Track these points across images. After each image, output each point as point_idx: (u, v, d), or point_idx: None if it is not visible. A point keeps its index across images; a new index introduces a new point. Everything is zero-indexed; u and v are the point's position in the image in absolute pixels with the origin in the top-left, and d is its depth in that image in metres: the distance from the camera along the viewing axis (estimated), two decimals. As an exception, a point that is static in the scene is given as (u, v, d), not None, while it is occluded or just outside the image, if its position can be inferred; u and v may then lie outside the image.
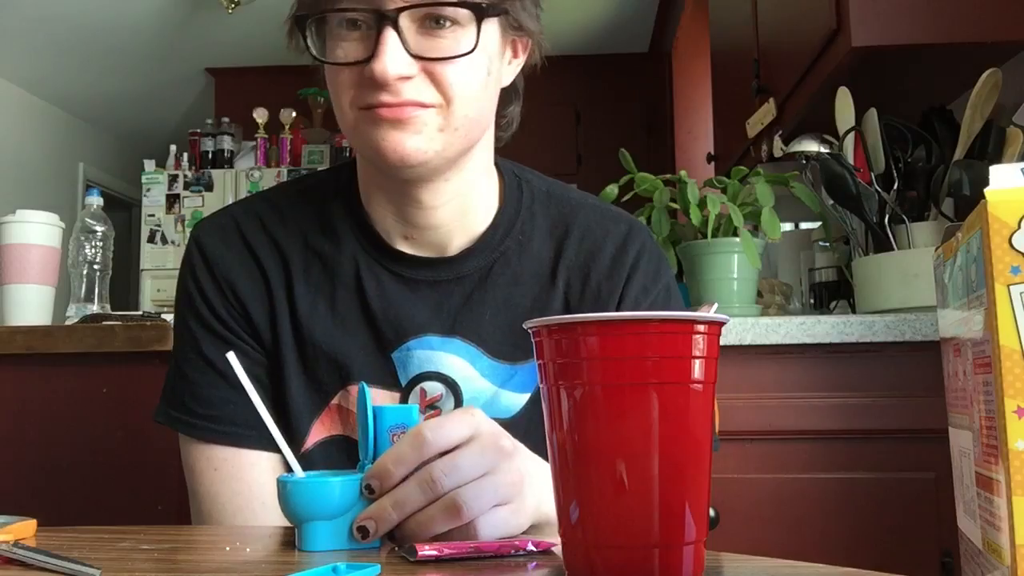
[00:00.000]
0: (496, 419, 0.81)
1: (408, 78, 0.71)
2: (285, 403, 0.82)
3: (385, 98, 0.71)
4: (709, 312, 0.49)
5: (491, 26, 0.74)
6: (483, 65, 0.74)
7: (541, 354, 0.50)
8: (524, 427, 0.78)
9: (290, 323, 0.82)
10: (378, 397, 0.81)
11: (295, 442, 0.82)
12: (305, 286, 0.82)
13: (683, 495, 0.47)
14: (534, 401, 0.83)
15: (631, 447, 0.47)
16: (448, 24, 0.71)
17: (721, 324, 0.50)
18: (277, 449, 0.81)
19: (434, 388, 0.81)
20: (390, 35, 0.69)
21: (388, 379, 0.81)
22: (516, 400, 0.83)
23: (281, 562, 0.57)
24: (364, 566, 0.51)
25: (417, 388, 0.82)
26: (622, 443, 0.47)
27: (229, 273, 0.82)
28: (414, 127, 0.72)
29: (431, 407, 0.82)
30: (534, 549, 0.57)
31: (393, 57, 0.69)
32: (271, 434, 0.80)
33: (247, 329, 0.82)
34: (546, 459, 0.82)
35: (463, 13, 0.71)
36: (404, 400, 0.82)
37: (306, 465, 0.80)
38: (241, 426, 0.79)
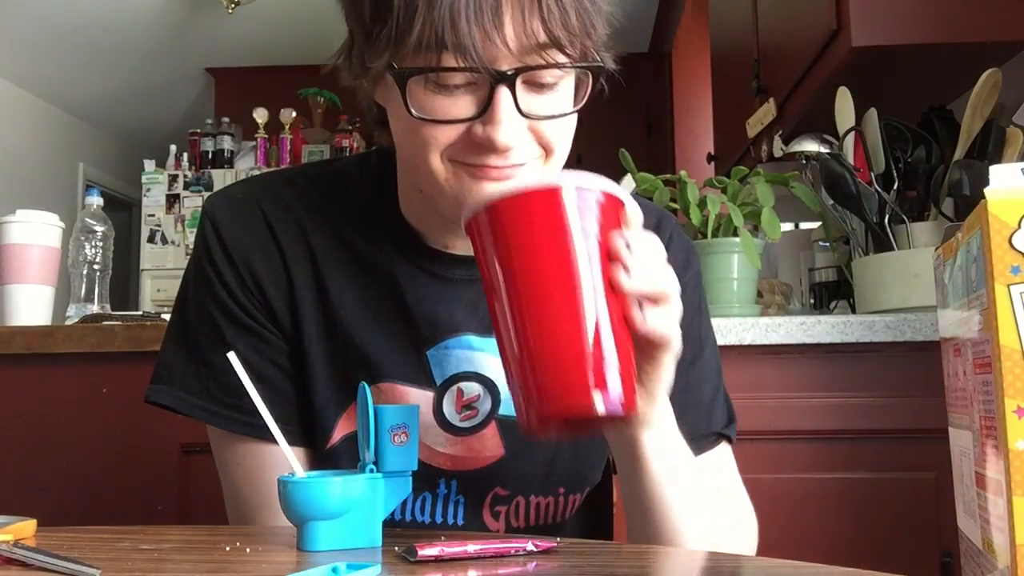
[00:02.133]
0: None
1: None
2: (310, 395, 0.79)
3: (494, 161, 0.67)
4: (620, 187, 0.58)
5: (587, 77, 0.71)
6: (576, 114, 0.71)
7: (476, 254, 0.59)
8: None
9: (317, 310, 0.79)
10: (411, 395, 0.79)
11: (321, 437, 0.79)
12: (334, 273, 0.79)
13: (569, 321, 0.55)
14: None
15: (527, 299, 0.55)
16: (552, 82, 0.68)
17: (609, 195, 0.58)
18: (302, 443, 0.80)
19: (471, 388, 0.79)
20: (506, 98, 0.64)
21: (422, 377, 0.79)
22: None
23: (281, 562, 0.57)
24: (364, 566, 0.51)
25: (453, 387, 0.79)
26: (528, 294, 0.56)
27: (247, 255, 0.78)
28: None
29: (467, 407, 0.80)
30: (534, 549, 0.57)
31: (510, 124, 0.65)
32: (296, 429, 0.79)
33: (266, 315, 0.79)
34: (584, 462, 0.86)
35: (567, 71, 0.68)
36: (439, 399, 0.79)
37: (333, 461, 0.79)
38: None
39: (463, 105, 0.66)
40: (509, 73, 0.64)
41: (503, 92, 0.64)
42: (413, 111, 0.66)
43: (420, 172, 0.70)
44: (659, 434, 0.68)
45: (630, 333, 0.58)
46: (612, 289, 0.57)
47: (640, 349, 0.60)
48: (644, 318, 0.58)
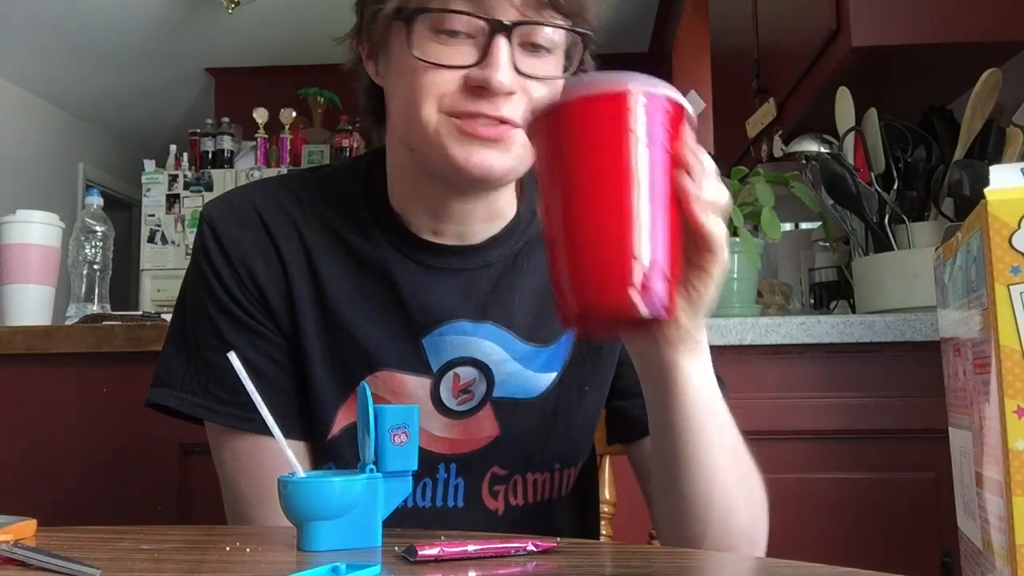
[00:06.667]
0: (525, 398, 0.84)
1: (512, 93, 0.71)
2: (309, 389, 0.81)
3: (485, 109, 0.71)
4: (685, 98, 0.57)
5: (576, 53, 0.76)
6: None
7: (538, 154, 0.59)
8: (554, 402, 0.85)
9: (314, 307, 0.80)
10: (408, 383, 0.81)
11: (321, 429, 0.81)
12: (330, 269, 0.81)
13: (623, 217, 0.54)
14: (559, 382, 0.85)
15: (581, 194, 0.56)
16: (546, 45, 0.73)
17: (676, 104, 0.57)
18: (303, 437, 0.82)
19: (467, 373, 0.82)
20: (504, 46, 0.70)
21: (418, 365, 0.81)
22: (544, 380, 0.85)
23: (281, 562, 0.57)
24: (364, 566, 0.51)
25: (450, 373, 0.82)
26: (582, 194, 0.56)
27: (244, 256, 0.80)
28: (504, 145, 0.73)
29: (464, 392, 0.82)
30: (534, 549, 0.57)
31: (507, 69, 0.70)
32: (296, 423, 0.81)
33: (265, 313, 0.80)
34: (577, 436, 0.87)
35: (562, 38, 0.74)
36: (436, 385, 0.82)
37: (333, 453, 0.81)
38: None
39: (462, 53, 0.71)
40: (508, 24, 0.70)
41: (502, 41, 0.70)
42: (415, 52, 0.71)
43: (413, 126, 0.73)
44: (700, 358, 0.67)
45: (683, 239, 0.59)
46: (673, 195, 0.57)
47: (691, 260, 0.61)
48: (708, 220, 0.59)
